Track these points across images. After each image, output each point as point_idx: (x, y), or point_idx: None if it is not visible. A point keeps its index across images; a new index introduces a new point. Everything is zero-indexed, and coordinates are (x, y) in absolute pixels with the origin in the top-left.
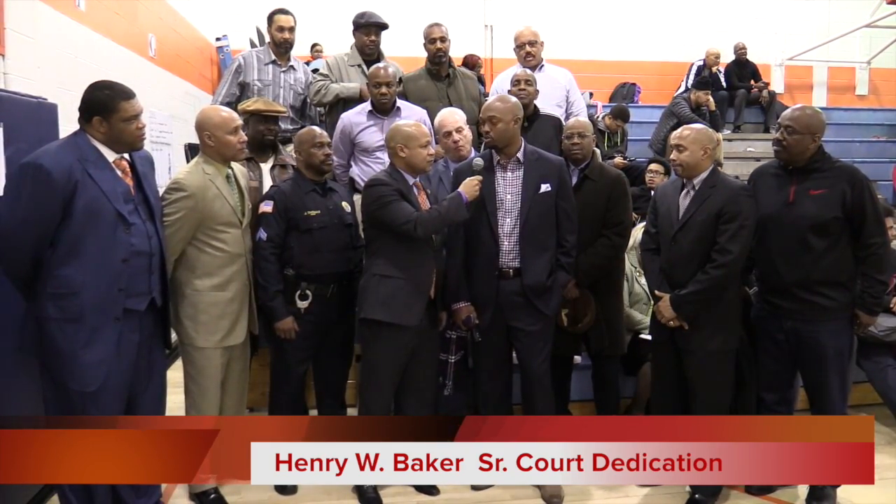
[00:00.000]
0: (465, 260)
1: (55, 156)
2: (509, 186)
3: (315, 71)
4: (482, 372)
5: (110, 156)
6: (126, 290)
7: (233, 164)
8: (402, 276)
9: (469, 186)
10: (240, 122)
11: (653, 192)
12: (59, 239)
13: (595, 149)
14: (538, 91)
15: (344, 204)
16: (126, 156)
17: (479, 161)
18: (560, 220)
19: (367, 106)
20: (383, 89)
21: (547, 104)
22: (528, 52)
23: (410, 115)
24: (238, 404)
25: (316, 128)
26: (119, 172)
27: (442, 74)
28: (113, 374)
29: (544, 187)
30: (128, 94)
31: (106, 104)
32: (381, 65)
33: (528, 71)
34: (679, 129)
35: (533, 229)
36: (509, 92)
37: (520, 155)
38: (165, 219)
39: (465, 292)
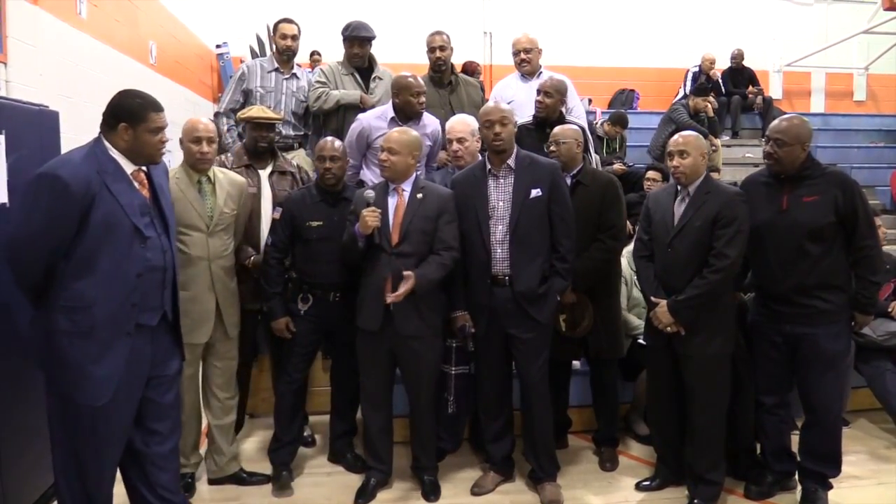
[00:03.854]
0: (462, 268)
1: (74, 167)
2: (501, 193)
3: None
4: (482, 378)
5: (128, 167)
6: (139, 305)
7: (221, 172)
8: (364, 283)
9: (360, 220)
10: (204, 134)
11: (645, 200)
12: (74, 251)
13: (594, 154)
14: (562, 101)
15: None
16: (143, 167)
17: (370, 193)
18: (554, 224)
19: (388, 111)
20: (421, 98)
21: None
22: (522, 59)
23: (428, 123)
24: (193, 404)
25: (328, 140)
26: (136, 184)
27: (444, 82)
28: (122, 389)
29: (535, 192)
30: (157, 106)
31: (136, 112)
32: (410, 78)
33: (556, 79)
34: (675, 137)
35: (523, 235)
36: None
37: (510, 161)
38: None
39: (461, 301)
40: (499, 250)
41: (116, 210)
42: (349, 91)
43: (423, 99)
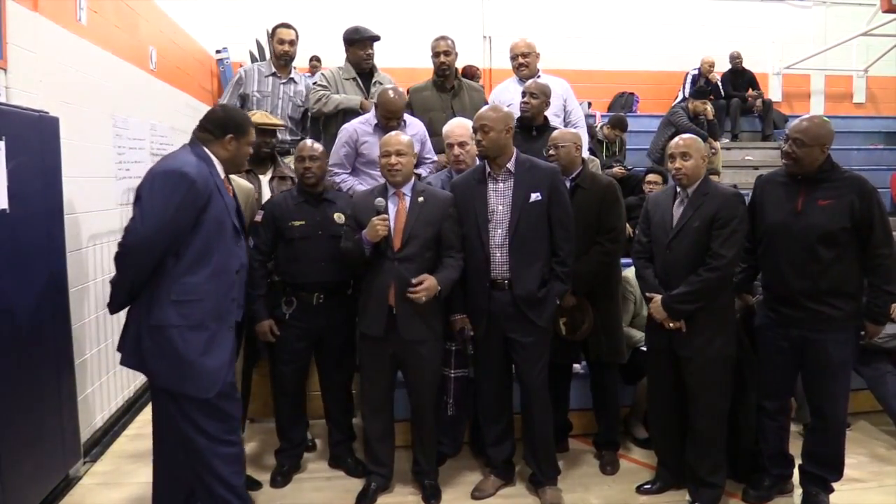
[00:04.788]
0: (462, 272)
1: (196, 166)
2: (500, 197)
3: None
4: (482, 382)
5: (222, 173)
6: (237, 300)
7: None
8: (367, 288)
9: (370, 228)
10: None
11: (644, 203)
12: (188, 247)
13: (593, 157)
14: (546, 102)
15: (336, 216)
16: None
17: (380, 201)
18: (553, 228)
19: (371, 118)
20: (392, 122)
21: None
22: (520, 63)
23: (410, 124)
24: None
25: (307, 141)
26: None
27: (447, 86)
28: (228, 381)
29: (534, 196)
30: (253, 123)
31: (242, 126)
32: (392, 94)
33: (540, 82)
34: (676, 139)
35: (523, 239)
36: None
37: (510, 165)
38: None
39: (460, 304)
40: (498, 254)
41: (223, 209)
42: (350, 95)
43: (394, 123)
